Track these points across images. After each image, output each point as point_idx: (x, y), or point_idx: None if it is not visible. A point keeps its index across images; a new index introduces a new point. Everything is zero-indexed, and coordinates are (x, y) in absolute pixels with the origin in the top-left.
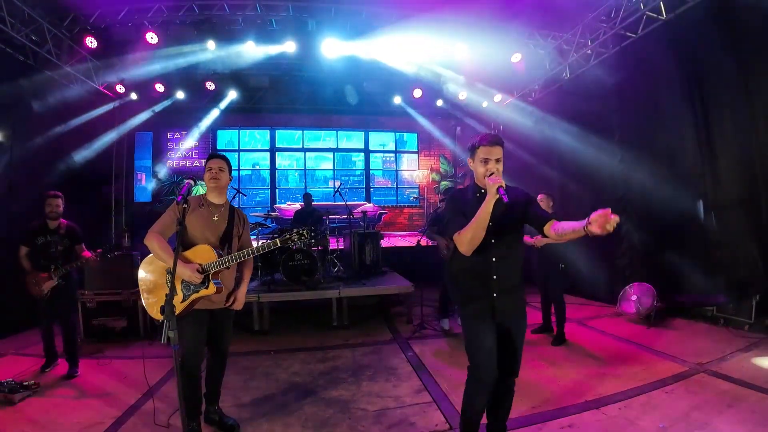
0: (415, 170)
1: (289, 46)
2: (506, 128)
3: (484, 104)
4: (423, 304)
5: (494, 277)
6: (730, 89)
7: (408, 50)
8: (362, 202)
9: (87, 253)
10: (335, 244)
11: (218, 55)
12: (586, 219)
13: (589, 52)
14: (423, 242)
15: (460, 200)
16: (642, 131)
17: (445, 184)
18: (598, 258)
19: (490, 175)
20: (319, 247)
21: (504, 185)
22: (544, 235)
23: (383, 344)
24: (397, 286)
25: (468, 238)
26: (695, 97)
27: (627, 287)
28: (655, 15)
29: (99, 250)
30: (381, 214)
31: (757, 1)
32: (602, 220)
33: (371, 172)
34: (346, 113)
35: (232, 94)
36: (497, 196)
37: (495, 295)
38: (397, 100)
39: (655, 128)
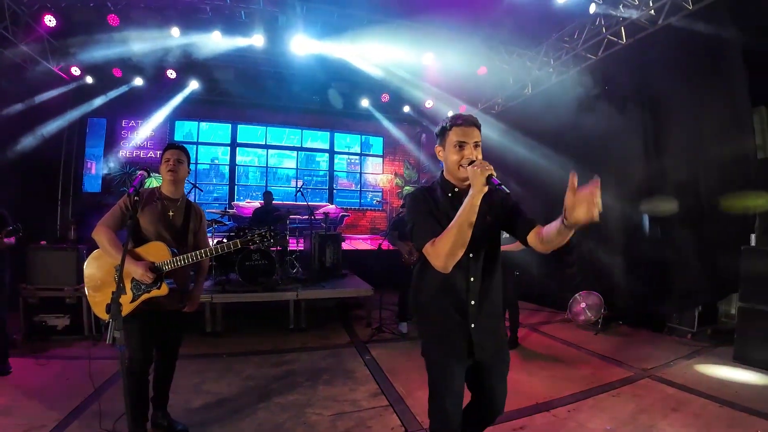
0: (379, 174)
1: (257, 40)
2: None
3: (450, 113)
4: (382, 308)
5: (472, 302)
6: (680, 112)
7: (377, 54)
8: (325, 204)
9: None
10: (295, 244)
11: (182, 43)
12: (565, 209)
13: (551, 70)
14: (384, 246)
15: (428, 200)
16: (596, 149)
17: (408, 189)
18: (551, 266)
19: (471, 163)
20: (278, 248)
21: (495, 175)
22: (526, 244)
23: (341, 348)
24: (357, 289)
25: (447, 248)
26: (647, 118)
27: (577, 295)
28: (615, 39)
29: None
30: (343, 216)
31: (707, 30)
32: (588, 202)
33: (335, 173)
34: (313, 112)
35: (193, 85)
36: (485, 189)
37: (473, 326)
38: (365, 102)
39: (608, 146)
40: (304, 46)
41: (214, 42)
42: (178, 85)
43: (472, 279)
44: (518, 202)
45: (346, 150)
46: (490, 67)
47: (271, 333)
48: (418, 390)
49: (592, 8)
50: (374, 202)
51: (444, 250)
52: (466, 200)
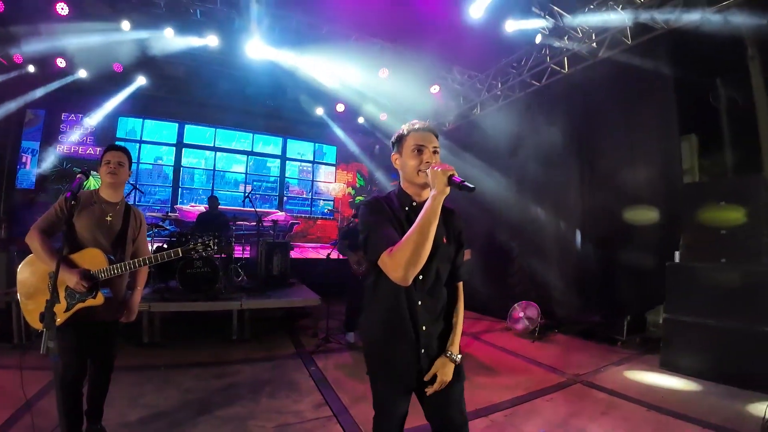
0: (331, 182)
1: (211, 40)
2: None
3: (403, 127)
4: (330, 318)
5: (423, 327)
6: (615, 138)
7: (334, 65)
8: (274, 210)
9: None
10: (240, 252)
11: (132, 38)
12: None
13: (498, 93)
14: (333, 255)
15: (384, 209)
16: (536, 170)
17: (360, 199)
18: (493, 277)
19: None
20: (223, 255)
21: (455, 173)
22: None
23: (286, 359)
24: (304, 298)
25: (407, 256)
26: (584, 143)
27: (516, 305)
28: (558, 68)
29: None
30: (293, 224)
31: (643, 64)
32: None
33: (286, 179)
34: (266, 117)
35: (140, 80)
36: (447, 190)
37: (422, 351)
38: (320, 111)
39: (547, 168)
40: (260, 50)
41: (166, 38)
42: (124, 79)
43: (419, 302)
44: (463, 245)
45: (299, 157)
46: (443, 86)
47: (212, 344)
48: (362, 400)
49: (538, 38)
50: (326, 210)
51: (404, 259)
52: (428, 202)
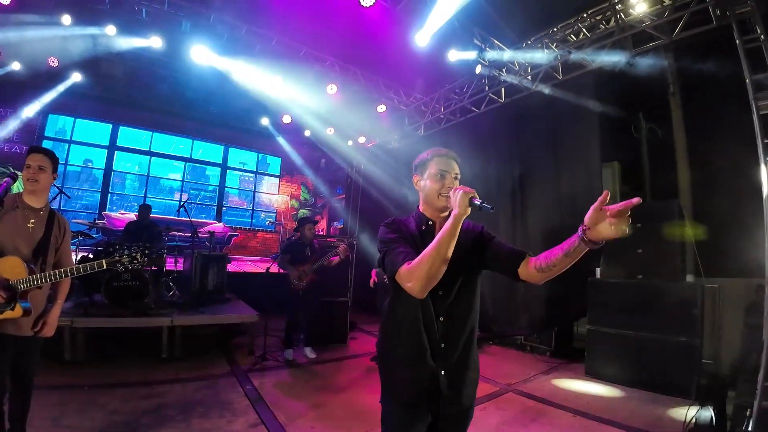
0: (274, 194)
1: (155, 42)
2: (366, 169)
3: (349, 143)
4: (267, 334)
5: (442, 345)
6: (544, 164)
7: (282, 76)
8: (211, 221)
9: None
10: (173, 264)
11: (72, 33)
12: (581, 226)
13: (441, 116)
14: (273, 270)
15: (401, 228)
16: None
17: (303, 212)
18: None
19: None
20: (153, 267)
21: (476, 195)
22: (518, 279)
23: (219, 378)
24: (240, 314)
25: (425, 268)
26: (516, 168)
27: None
28: (496, 97)
29: None
30: (232, 235)
31: (571, 98)
32: (620, 218)
33: (226, 189)
34: (208, 123)
35: (76, 77)
36: (468, 211)
37: (443, 373)
38: (265, 121)
39: (484, 189)
40: (205, 56)
41: (107, 36)
42: (58, 75)
43: (441, 318)
44: (492, 234)
45: (241, 166)
46: (389, 106)
47: (140, 363)
48: (300, 418)
49: (478, 69)
50: (267, 223)
51: (422, 271)
52: (449, 220)
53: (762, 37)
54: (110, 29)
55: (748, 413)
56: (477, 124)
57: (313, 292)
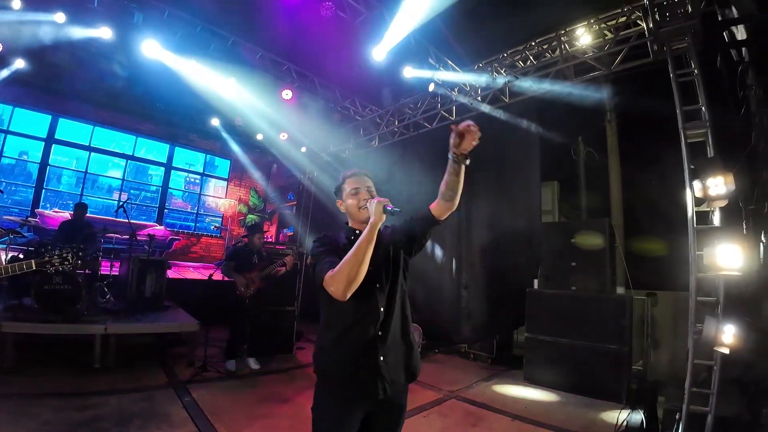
0: (221, 198)
1: (104, 32)
2: (319, 177)
3: (303, 150)
4: (208, 345)
5: (380, 333)
6: (488, 182)
7: (236, 77)
8: (152, 224)
9: None
10: (108, 268)
11: (20, 18)
12: (451, 147)
13: (395, 129)
14: (216, 277)
15: (331, 240)
16: (422, 201)
17: (252, 218)
18: None
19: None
20: (87, 271)
21: (391, 205)
22: (439, 221)
23: (157, 390)
24: (180, 323)
25: (345, 272)
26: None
27: None
28: (447, 115)
29: None
30: (173, 240)
31: (515, 122)
32: (468, 132)
33: (170, 190)
34: (154, 120)
35: (19, 63)
36: (384, 217)
37: (382, 359)
38: (215, 122)
39: (430, 202)
40: (157, 51)
41: (56, 23)
42: (1, 61)
43: (381, 309)
44: (397, 228)
45: (187, 167)
46: (344, 116)
47: (72, 372)
48: (243, 430)
49: (431, 87)
50: (212, 227)
51: (343, 275)
52: (367, 227)
53: (695, 71)
54: (59, 16)
55: (677, 417)
56: (429, 140)
57: (259, 301)
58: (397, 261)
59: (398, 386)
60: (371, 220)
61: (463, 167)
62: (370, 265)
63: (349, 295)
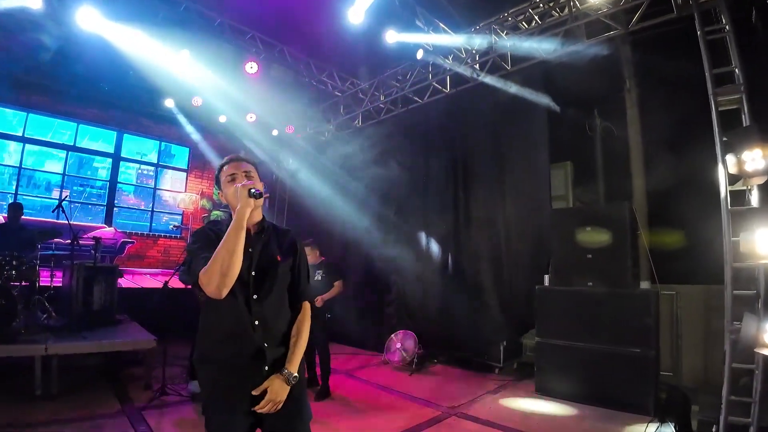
0: (181, 192)
1: (33, 2)
2: (295, 163)
3: (274, 133)
4: (168, 364)
5: (265, 344)
6: (488, 165)
7: (192, 50)
8: (99, 225)
9: None
10: (48, 279)
11: None
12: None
13: (381, 105)
14: (173, 284)
15: (209, 234)
16: (414, 195)
17: (217, 214)
18: (370, 309)
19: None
20: (23, 282)
21: (262, 189)
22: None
23: (108, 418)
24: (134, 340)
25: (217, 267)
26: (459, 168)
27: (393, 335)
28: (440, 87)
29: None
30: (125, 243)
31: (519, 93)
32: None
33: (119, 185)
34: (97, 103)
35: None
36: (251, 202)
37: (266, 369)
38: (169, 103)
39: (424, 193)
40: (95, 22)
41: None
42: None
43: (256, 322)
44: (306, 263)
45: (138, 158)
46: (321, 92)
47: (10, 401)
48: None
49: (420, 54)
50: (171, 227)
51: (215, 271)
52: (235, 217)
53: (726, 28)
54: None
55: (714, 429)
56: (420, 117)
57: None
58: (282, 274)
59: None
60: (237, 206)
61: None
62: (252, 271)
63: (225, 292)
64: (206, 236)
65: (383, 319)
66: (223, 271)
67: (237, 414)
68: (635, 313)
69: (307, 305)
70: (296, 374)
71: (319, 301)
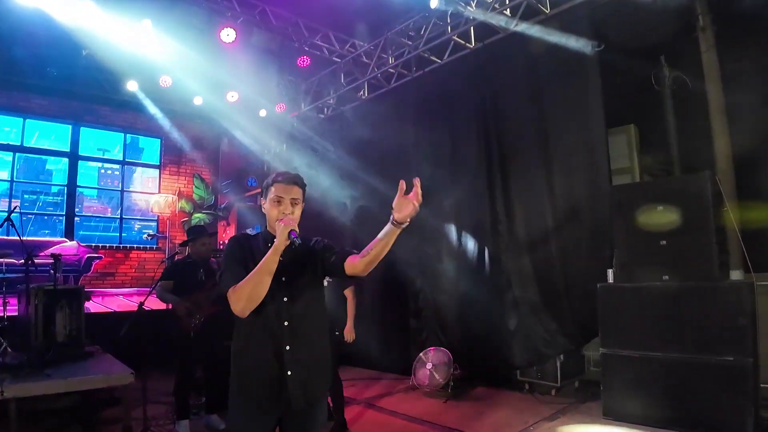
0: (154, 194)
1: None
2: (290, 150)
3: (262, 112)
4: (149, 401)
5: (287, 347)
6: (528, 135)
7: (155, 21)
8: (58, 239)
9: None
10: (1, 308)
11: None
12: (391, 216)
13: (391, 70)
14: (150, 305)
15: (244, 247)
16: (438, 174)
17: (199, 217)
18: (392, 322)
19: (283, 217)
20: None
21: (297, 230)
22: (351, 277)
23: None
24: (108, 375)
25: (245, 293)
26: (492, 142)
27: (422, 354)
28: (462, 42)
29: None
30: (91, 259)
31: (563, 41)
32: (413, 200)
33: (79, 190)
34: (47, 92)
35: None
36: (288, 242)
37: (289, 373)
38: (132, 86)
39: (452, 176)
40: None
41: None
42: None
43: (286, 323)
44: (332, 245)
45: (100, 155)
46: (316, 58)
47: None
48: None
49: (434, 2)
50: (145, 236)
51: (244, 294)
52: (270, 251)
53: None
54: None
55: None
56: (440, 81)
57: (212, 333)
58: (312, 271)
59: (305, 398)
60: (275, 242)
61: (398, 232)
62: (282, 278)
63: (247, 314)
64: (240, 251)
65: (408, 334)
66: (250, 297)
67: (262, 417)
68: (725, 311)
69: (353, 255)
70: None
71: (350, 333)
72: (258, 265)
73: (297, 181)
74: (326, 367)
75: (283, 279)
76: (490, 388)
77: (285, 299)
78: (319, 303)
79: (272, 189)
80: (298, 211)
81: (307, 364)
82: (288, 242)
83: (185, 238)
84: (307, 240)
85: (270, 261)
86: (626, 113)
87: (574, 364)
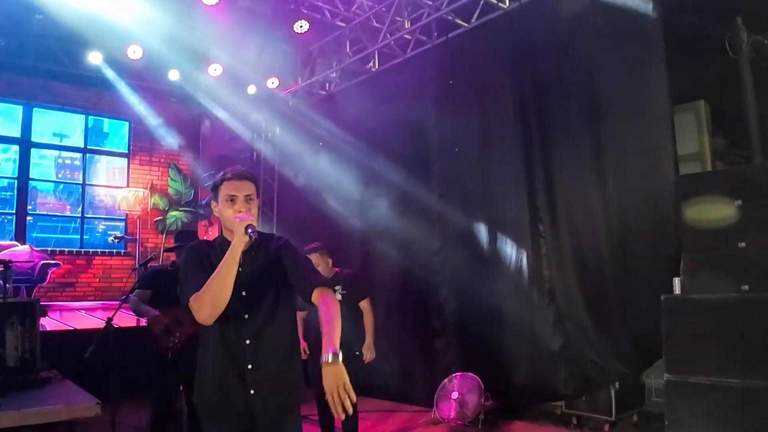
0: (122, 188)
1: None
2: (284, 134)
3: (251, 89)
4: None
5: (249, 366)
6: (575, 114)
7: None
8: (8, 242)
9: None
10: None
11: None
12: (326, 355)
13: (407, 37)
14: (122, 320)
15: (202, 255)
16: (464, 161)
17: (175, 215)
18: (408, 339)
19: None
20: None
21: (255, 225)
22: (311, 304)
23: None
24: (70, 405)
25: (209, 298)
26: (531, 123)
27: (446, 381)
28: (495, 1)
29: None
30: (47, 266)
31: (618, 10)
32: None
33: (32, 184)
34: None
35: None
36: (246, 238)
37: (252, 392)
38: (96, 58)
39: (482, 157)
40: None
41: None
42: None
43: (247, 342)
44: (301, 256)
45: (57, 141)
46: (317, 23)
47: None
48: None
49: None
50: (111, 239)
51: (206, 301)
52: (228, 250)
53: None
54: None
55: None
56: (466, 49)
57: (193, 355)
58: (275, 282)
59: (270, 416)
60: (233, 240)
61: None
62: (242, 292)
63: (212, 321)
64: (199, 259)
65: (431, 357)
66: (213, 302)
67: (228, 426)
68: None
69: (323, 290)
70: (338, 351)
71: (369, 350)
72: (217, 268)
73: (248, 175)
74: (295, 383)
75: (243, 294)
76: (529, 422)
77: (246, 316)
78: (285, 318)
79: (222, 188)
80: (254, 208)
81: (271, 383)
82: (247, 239)
83: (161, 242)
84: (268, 238)
85: (229, 261)
86: (695, 87)
87: (631, 393)
